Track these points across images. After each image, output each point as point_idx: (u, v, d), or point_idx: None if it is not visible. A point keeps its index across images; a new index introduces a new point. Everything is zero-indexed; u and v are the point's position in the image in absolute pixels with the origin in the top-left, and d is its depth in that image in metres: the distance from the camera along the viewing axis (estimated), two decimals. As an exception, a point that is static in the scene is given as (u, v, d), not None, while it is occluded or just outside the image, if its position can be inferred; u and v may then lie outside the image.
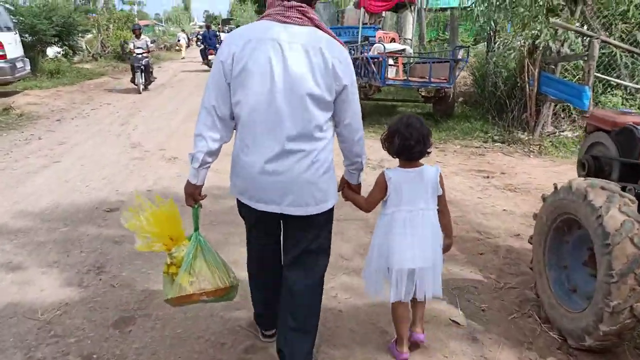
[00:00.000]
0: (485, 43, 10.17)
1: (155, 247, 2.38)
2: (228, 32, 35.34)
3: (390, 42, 11.02)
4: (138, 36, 14.37)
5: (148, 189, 5.33)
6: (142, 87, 13.77)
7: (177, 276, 2.26)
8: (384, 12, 12.26)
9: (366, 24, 15.86)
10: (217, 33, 25.87)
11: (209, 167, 2.21)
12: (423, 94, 9.93)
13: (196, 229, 2.35)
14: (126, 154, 6.93)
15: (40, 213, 4.65)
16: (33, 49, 17.91)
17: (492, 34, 9.90)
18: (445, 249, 2.53)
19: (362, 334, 2.86)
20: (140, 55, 13.52)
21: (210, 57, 21.32)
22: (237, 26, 36.36)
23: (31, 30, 17.20)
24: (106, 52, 27.53)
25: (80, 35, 20.76)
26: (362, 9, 10.70)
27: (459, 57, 8.68)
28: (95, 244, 3.99)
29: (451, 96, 9.05)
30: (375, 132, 8.40)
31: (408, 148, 2.31)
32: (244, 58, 1.99)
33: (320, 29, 2.06)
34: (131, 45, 14.21)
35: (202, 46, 23.51)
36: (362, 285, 2.77)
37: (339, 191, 2.36)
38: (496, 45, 9.93)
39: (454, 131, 8.34)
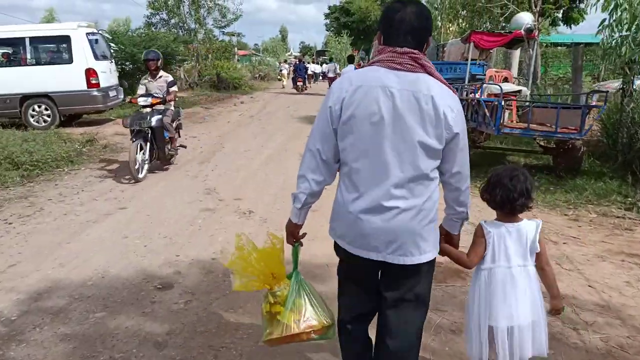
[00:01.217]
0: (621, 84, 8.52)
1: (253, 287, 2.36)
2: (321, 63, 35.32)
3: (503, 81, 9.69)
4: (154, 74, 7.90)
5: (212, 256, 4.42)
6: (139, 171, 7.09)
7: (282, 315, 2.27)
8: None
9: (473, 59, 14.67)
10: (306, 65, 30.16)
11: (309, 207, 2.22)
12: (542, 143, 8.47)
13: (295, 267, 2.38)
14: (197, 202, 6.12)
15: (81, 285, 3.84)
16: (132, 77, 18.32)
17: (628, 73, 8.27)
18: (555, 310, 2.41)
19: None
20: (146, 110, 7.49)
21: (298, 83, 26.92)
22: (331, 59, 36.43)
23: (131, 59, 17.55)
24: (203, 80, 28.13)
25: (177, 64, 21.03)
26: (470, 44, 9.46)
27: (593, 102, 7.20)
28: (130, 345, 3.06)
29: (580, 149, 7.54)
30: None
31: (511, 201, 2.24)
32: (353, 104, 1.98)
33: (432, 76, 2.01)
34: (140, 90, 7.96)
35: (294, 75, 28.33)
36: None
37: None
38: (636, 86, 8.30)
39: (584, 192, 6.82)
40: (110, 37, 16.61)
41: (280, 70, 35.27)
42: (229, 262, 2.38)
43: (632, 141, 8.25)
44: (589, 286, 4.05)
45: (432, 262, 2.19)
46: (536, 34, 9.46)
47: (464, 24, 25.18)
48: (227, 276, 4.00)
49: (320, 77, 32.18)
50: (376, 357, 2.31)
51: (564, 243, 5.05)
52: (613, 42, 6.48)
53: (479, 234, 2.31)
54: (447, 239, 2.34)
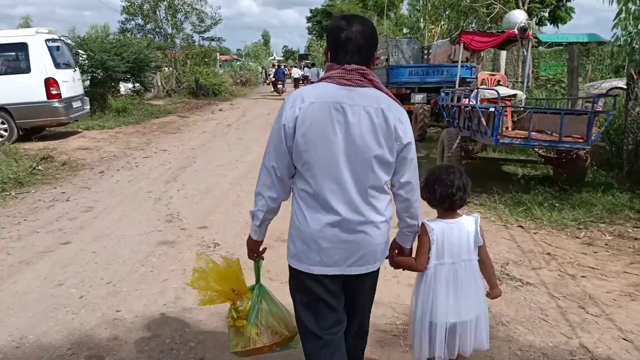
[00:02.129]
0: (625, 87, 7.83)
1: (218, 301, 2.41)
2: (303, 68, 34.75)
3: (496, 85, 8.98)
4: None
5: (162, 310, 3.59)
6: None
7: (245, 329, 2.32)
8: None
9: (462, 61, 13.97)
10: (285, 71, 34.04)
11: (269, 223, 2.24)
12: (541, 152, 7.75)
13: (258, 280, 2.43)
14: (156, 233, 5.27)
15: (-14, 361, 2.99)
16: (103, 86, 17.38)
17: (634, 74, 7.57)
18: (495, 297, 2.49)
19: None
20: None
21: (279, 86, 29.59)
22: (313, 63, 35.74)
23: (102, 67, 16.62)
24: (181, 87, 27.19)
25: (152, 71, 20.09)
26: (461, 46, 8.73)
27: (599, 107, 6.50)
28: None
29: (586, 159, 6.82)
30: (479, 200, 6.36)
31: (449, 196, 2.31)
32: (306, 121, 1.98)
33: (382, 91, 2.06)
34: None
35: (274, 79, 30.94)
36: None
37: (386, 257, 2.31)
38: (638, 88, 7.60)
39: (593, 209, 6.10)
40: (74, 44, 15.64)
41: (269, 75, 36.03)
42: (190, 281, 2.43)
43: (638, 149, 7.56)
44: (624, 339, 3.29)
45: (378, 270, 2.26)
46: (530, 33, 8.75)
47: (446, 26, 24.69)
48: (175, 340, 3.19)
49: (301, 82, 31.42)
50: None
51: (583, 276, 4.30)
52: (625, 38, 5.74)
53: (423, 234, 2.33)
54: (400, 252, 2.39)
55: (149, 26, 27.44)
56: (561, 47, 19.64)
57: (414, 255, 2.39)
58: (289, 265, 2.18)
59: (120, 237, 5.15)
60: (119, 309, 3.61)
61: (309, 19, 57.68)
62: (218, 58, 51.89)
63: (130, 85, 20.13)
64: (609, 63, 21.58)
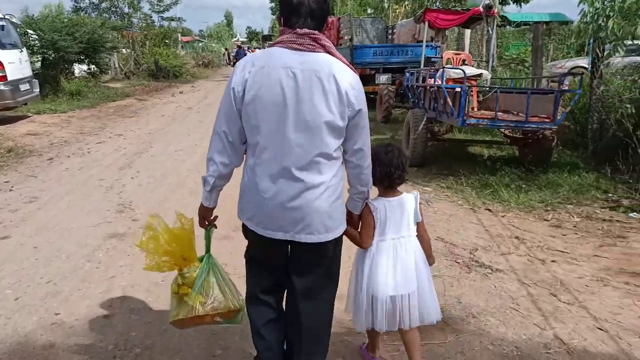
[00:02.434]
0: (590, 65, 7.75)
1: (165, 268, 2.35)
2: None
3: (461, 64, 8.81)
4: None
5: (106, 312, 3.27)
6: None
7: (189, 297, 2.28)
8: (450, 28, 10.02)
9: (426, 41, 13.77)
10: (246, 51, 34.23)
11: (221, 189, 2.23)
12: (507, 132, 7.64)
13: (208, 250, 2.39)
14: (105, 225, 4.91)
15: None
16: (55, 67, 16.56)
17: (599, 52, 7.48)
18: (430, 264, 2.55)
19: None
20: None
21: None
22: None
23: (53, 47, 15.80)
24: (140, 69, 26.26)
25: (107, 52, 19.25)
26: (425, 24, 8.51)
27: (565, 86, 6.38)
28: None
29: (552, 139, 6.73)
30: (446, 183, 6.20)
31: (389, 175, 2.38)
32: (255, 85, 1.97)
33: (334, 56, 2.04)
34: None
35: (235, 60, 33.05)
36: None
37: None
38: (603, 66, 7.53)
39: (560, 189, 6.01)
40: (22, 24, 14.76)
41: (232, 56, 36.08)
42: (140, 242, 2.35)
43: (602, 128, 7.54)
44: (599, 329, 3.16)
45: (339, 239, 2.23)
46: (495, 11, 8.59)
47: (410, 6, 24.47)
48: (119, 346, 2.89)
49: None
50: (290, 336, 2.34)
51: (553, 261, 4.17)
52: (592, 14, 5.59)
53: (367, 213, 2.37)
54: (348, 218, 2.34)
55: (104, 5, 26.33)
56: (524, 27, 19.70)
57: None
58: (242, 224, 2.22)
59: (66, 229, 4.77)
60: (58, 311, 3.28)
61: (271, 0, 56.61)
62: (180, 39, 50.60)
63: (85, 67, 19.27)
64: (571, 42, 21.81)
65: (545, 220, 5.19)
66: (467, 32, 15.48)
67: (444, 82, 6.84)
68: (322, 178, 2.04)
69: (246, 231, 2.22)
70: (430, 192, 6.08)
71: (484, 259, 4.16)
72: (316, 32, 2.01)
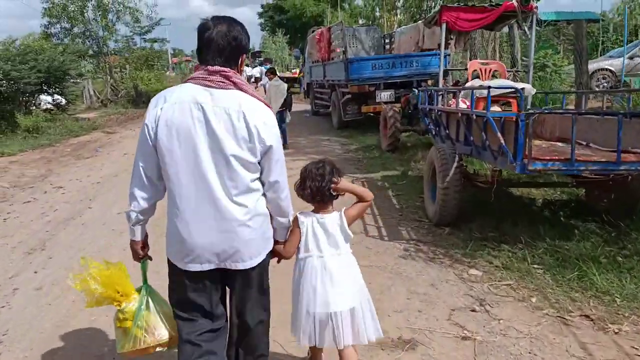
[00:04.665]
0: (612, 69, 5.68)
1: (105, 303, 2.40)
2: (255, 66, 31.98)
3: (490, 77, 6.73)
4: None
5: None
6: None
7: (131, 330, 2.32)
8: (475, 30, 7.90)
9: (431, 49, 11.73)
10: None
11: (145, 223, 2.27)
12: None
13: (144, 281, 2.44)
14: None
15: None
16: (11, 101, 14.55)
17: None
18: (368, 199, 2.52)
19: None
20: None
21: None
22: (268, 60, 32.96)
23: (5, 78, 13.80)
24: (119, 96, 24.26)
25: (72, 80, 17.20)
26: (443, 26, 6.43)
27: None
28: None
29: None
30: (500, 259, 4.01)
31: (320, 190, 2.38)
32: (168, 121, 2.02)
33: (246, 92, 2.11)
34: None
35: None
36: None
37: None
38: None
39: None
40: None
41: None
42: (75, 285, 2.38)
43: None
44: None
45: (264, 260, 2.28)
46: (534, 4, 6.53)
47: (403, 15, 22.63)
48: None
49: (252, 81, 28.99)
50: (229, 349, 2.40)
51: None
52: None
53: (295, 225, 2.43)
54: (276, 244, 2.38)
55: (76, 29, 24.30)
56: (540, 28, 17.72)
57: None
58: (167, 259, 2.23)
59: None
60: None
61: (260, 15, 54.74)
62: (170, 61, 48.71)
63: (49, 99, 17.24)
64: (591, 42, 19.86)
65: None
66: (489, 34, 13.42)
67: (474, 104, 4.76)
68: (244, 211, 2.10)
69: (173, 270, 2.22)
70: (483, 281, 3.94)
71: None
72: (227, 69, 2.08)
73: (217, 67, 2.05)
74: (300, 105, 19.58)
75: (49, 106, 17.20)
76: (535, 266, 4.12)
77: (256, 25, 56.06)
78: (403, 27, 15.72)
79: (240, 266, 2.16)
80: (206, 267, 2.13)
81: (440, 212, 5.02)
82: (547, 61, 13.42)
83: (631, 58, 13.49)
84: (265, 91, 11.71)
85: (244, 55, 2.17)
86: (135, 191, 2.14)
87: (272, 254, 2.39)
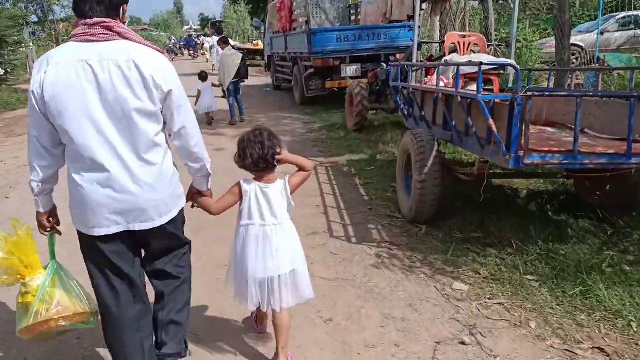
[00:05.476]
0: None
1: (6, 280, 2.29)
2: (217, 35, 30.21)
3: (468, 52, 6.04)
4: None
5: None
6: None
7: (32, 304, 2.22)
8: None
9: (399, 21, 10.96)
10: (195, 40, 39.17)
11: (50, 193, 2.20)
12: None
13: (52, 257, 2.36)
14: None
15: None
16: None
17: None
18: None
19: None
20: None
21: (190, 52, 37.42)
22: (219, 33, 31.21)
23: None
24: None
25: (10, 48, 15.72)
26: (417, -6, 5.65)
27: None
28: None
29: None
30: (488, 268, 3.34)
31: (263, 157, 2.36)
32: (53, 84, 1.91)
33: (133, 41, 1.99)
34: None
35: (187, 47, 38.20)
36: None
37: (187, 201, 2.39)
38: None
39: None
40: None
41: (203, 45, 33.84)
42: None
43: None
44: None
45: (180, 214, 2.27)
46: (517, -30, 5.82)
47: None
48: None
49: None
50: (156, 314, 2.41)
51: None
52: None
53: (235, 188, 2.44)
54: (200, 195, 2.42)
55: (17, -8, 22.43)
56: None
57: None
58: (77, 230, 2.15)
59: None
60: None
61: (221, -17, 52.65)
62: (126, 8, 46.06)
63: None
64: (547, 17, 19.58)
65: None
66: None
67: (458, 82, 4.06)
68: (150, 169, 2.05)
69: (82, 237, 2.16)
70: (470, 299, 3.27)
71: None
72: (108, 19, 1.96)
73: (96, 19, 1.94)
74: (262, 79, 18.54)
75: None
76: (529, 277, 3.48)
77: (217, -7, 53.79)
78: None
79: (150, 225, 2.11)
80: (113, 229, 2.07)
81: (416, 208, 4.32)
82: (518, 36, 12.83)
83: (602, 33, 13.10)
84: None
85: (125, 6, 2.06)
86: (33, 160, 2.06)
87: (194, 202, 2.46)
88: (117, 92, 1.92)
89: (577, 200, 4.78)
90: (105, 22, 1.94)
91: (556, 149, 3.51)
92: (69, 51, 1.94)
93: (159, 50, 2.07)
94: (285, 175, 2.50)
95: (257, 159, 2.35)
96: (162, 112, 2.05)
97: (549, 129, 4.69)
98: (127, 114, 1.95)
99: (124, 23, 2.05)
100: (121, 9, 2.03)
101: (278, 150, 2.38)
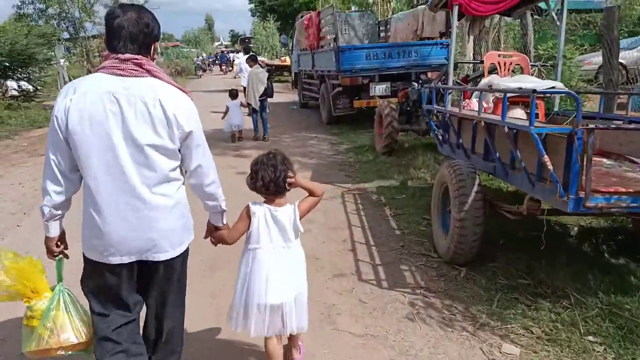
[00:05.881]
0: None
1: (17, 298, 2.29)
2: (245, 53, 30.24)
3: (510, 74, 5.57)
4: None
5: None
6: None
7: (37, 329, 2.24)
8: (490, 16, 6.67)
9: (431, 38, 10.56)
10: (226, 56, 40.87)
11: (61, 218, 2.18)
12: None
13: (59, 280, 2.34)
14: None
15: None
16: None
17: None
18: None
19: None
20: None
21: (223, 67, 38.48)
22: (246, 50, 31.15)
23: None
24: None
25: (40, 65, 15.82)
26: (454, 10, 5.24)
27: None
28: None
29: None
30: (541, 325, 2.88)
31: (274, 180, 2.37)
32: (78, 112, 1.94)
33: (160, 79, 2.06)
34: None
35: (219, 62, 39.74)
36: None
37: (205, 237, 2.49)
38: None
39: None
40: None
41: (233, 60, 34.67)
42: None
43: None
44: None
45: (186, 251, 2.27)
46: (565, -15, 5.36)
47: (396, 2, 21.40)
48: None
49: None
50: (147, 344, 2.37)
51: None
52: None
53: (245, 213, 2.43)
54: (216, 230, 2.44)
55: (50, 10, 22.81)
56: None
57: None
58: (83, 255, 2.16)
59: None
60: None
61: (251, 0, 52.94)
62: (157, 46, 46.78)
63: (15, 85, 15.86)
64: (584, 33, 18.87)
65: None
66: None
67: (505, 109, 3.60)
68: (163, 201, 2.06)
69: (89, 263, 2.16)
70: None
71: None
72: (139, 57, 2.01)
73: (128, 55, 1.99)
74: (289, 96, 18.28)
75: (14, 93, 15.86)
76: (591, 338, 2.99)
77: (247, 11, 54.40)
78: (400, 13, 14.48)
79: (162, 257, 2.13)
80: (126, 259, 2.08)
81: (454, 249, 3.86)
82: (555, 52, 12.25)
83: (640, 50, 12.47)
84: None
85: (156, 44, 2.14)
86: (48, 185, 2.06)
87: (212, 237, 2.49)
88: (138, 127, 1.96)
89: (636, 239, 4.26)
90: (137, 59, 2.00)
91: (623, 190, 3.02)
92: (97, 82, 1.98)
93: (184, 91, 2.10)
94: (295, 201, 2.49)
95: (269, 181, 2.36)
96: (179, 150, 2.08)
97: (604, 160, 4.20)
98: (144, 149, 1.98)
99: (153, 60, 2.10)
100: (152, 46, 2.09)
101: (290, 174, 2.38)
